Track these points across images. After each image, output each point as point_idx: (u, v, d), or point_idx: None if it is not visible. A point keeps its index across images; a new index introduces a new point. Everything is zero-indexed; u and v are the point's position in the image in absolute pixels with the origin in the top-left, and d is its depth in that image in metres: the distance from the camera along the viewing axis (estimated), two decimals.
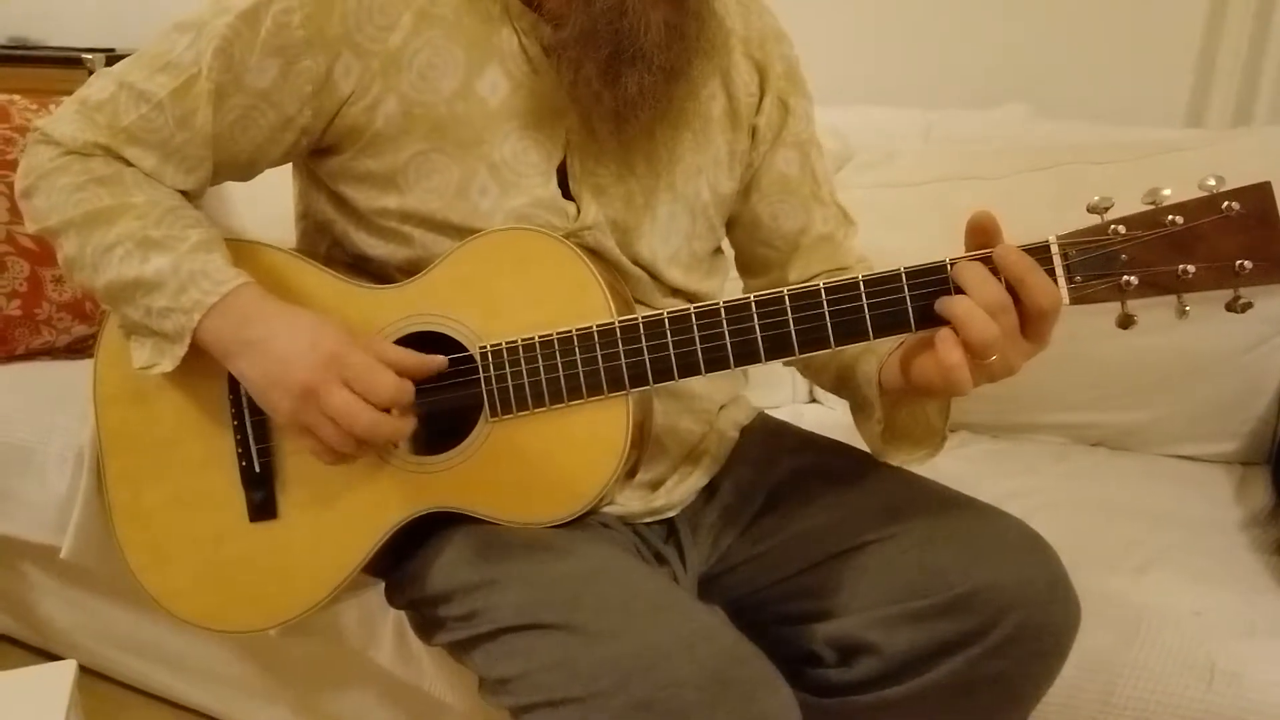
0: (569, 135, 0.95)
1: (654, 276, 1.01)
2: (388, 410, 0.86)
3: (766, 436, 1.10)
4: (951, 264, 0.80)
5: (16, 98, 1.73)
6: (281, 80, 0.91)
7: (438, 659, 1.16)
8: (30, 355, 1.64)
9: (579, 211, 0.96)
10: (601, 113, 0.90)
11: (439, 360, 0.90)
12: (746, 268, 1.14)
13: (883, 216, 1.53)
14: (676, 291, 1.03)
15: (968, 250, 0.81)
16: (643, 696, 0.78)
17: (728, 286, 1.10)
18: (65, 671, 1.14)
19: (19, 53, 2.65)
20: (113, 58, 2.36)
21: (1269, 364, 1.41)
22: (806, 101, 1.08)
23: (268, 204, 1.19)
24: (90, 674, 1.58)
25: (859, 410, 1.00)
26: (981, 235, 0.81)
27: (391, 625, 1.18)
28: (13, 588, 1.61)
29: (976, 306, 0.78)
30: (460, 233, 0.93)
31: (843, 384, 1.02)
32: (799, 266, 1.09)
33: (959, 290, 0.80)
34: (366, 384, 0.85)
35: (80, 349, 1.68)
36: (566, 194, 0.97)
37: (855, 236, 1.13)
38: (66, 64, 2.43)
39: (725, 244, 1.13)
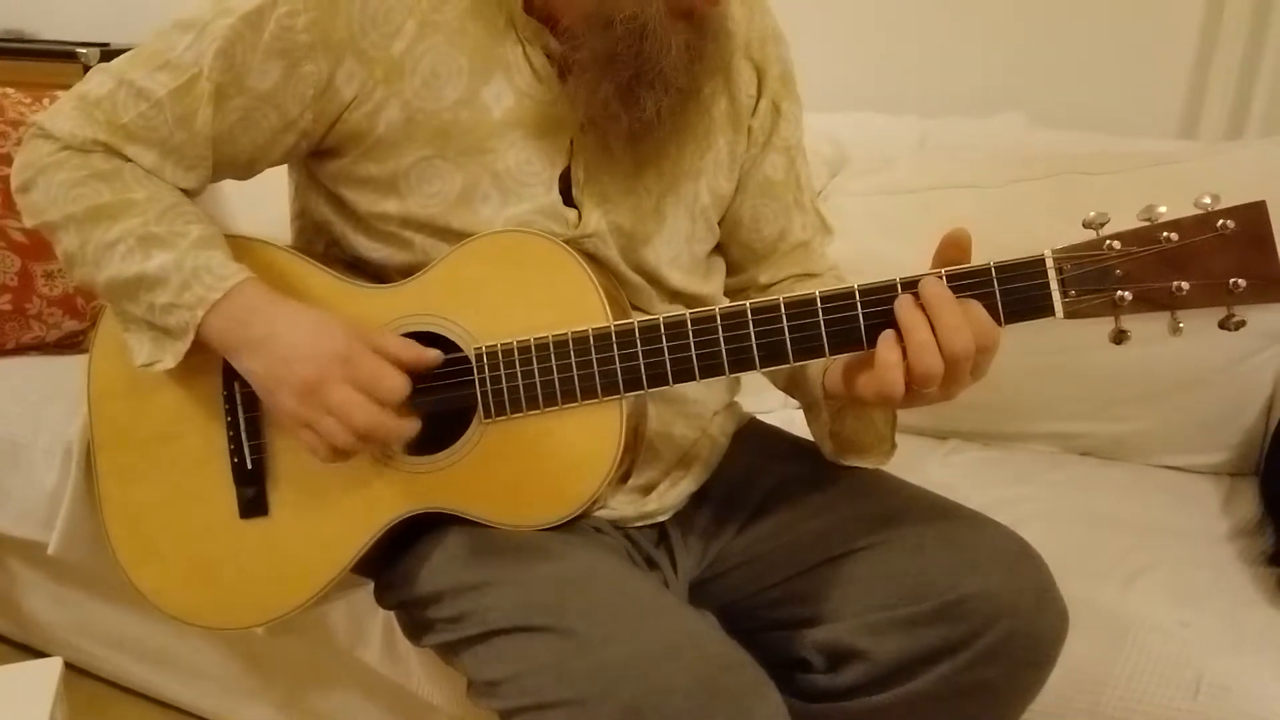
0: (573, 143, 0.95)
1: (655, 282, 1.01)
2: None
3: (758, 442, 1.10)
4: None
5: (10, 91, 1.72)
6: (284, 83, 0.91)
7: (426, 659, 1.16)
8: (20, 350, 1.64)
9: (580, 219, 0.96)
10: (617, 132, 0.90)
11: (434, 355, 0.89)
12: None
13: (878, 224, 1.53)
14: (677, 295, 1.03)
15: (934, 262, 0.82)
16: (632, 702, 0.78)
17: None
18: (51, 668, 1.14)
19: (13, 46, 2.64)
20: (107, 52, 2.35)
21: (1258, 377, 1.42)
22: (797, 106, 1.09)
23: (265, 202, 1.19)
24: (76, 671, 1.58)
25: (809, 410, 1.02)
26: (955, 251, 0.81)
27: (380, 625, 1.18)
28: None
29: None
30: (460, 239, 0.93)
31: (794, 384, 1.03)
32: (771, 269, 1.10)
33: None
34: (370, 381, 0.85)
35: (70, 344, 1.67)
36: (569, 201, 0.96)
37: (830, 244, 1.14)
38: (61, 58, 2.42)
39: None
